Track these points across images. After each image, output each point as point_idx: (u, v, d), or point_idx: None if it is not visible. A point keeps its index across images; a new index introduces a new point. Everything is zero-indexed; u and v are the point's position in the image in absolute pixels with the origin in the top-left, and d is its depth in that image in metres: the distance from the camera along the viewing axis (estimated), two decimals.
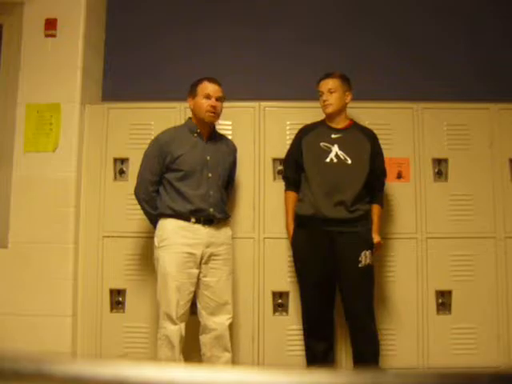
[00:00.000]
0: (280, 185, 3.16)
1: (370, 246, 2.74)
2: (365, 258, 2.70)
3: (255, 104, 3.26)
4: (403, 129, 3.21)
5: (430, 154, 3.21)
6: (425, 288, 3.11)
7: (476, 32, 3.64)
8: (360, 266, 2.68)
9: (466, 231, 3.16)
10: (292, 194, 2.94)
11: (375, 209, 2.84)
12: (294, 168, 2.94)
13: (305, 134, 2.93)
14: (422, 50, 3.64)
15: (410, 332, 3.08)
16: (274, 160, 3.21)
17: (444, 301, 3.11)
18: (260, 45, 3.67)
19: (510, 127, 3.23)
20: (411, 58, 3.62)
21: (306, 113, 3.20)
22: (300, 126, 3.09)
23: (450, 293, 3.11)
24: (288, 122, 3.25)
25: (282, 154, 3.18)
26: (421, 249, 3.14)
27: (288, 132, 3.23)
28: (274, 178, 3.21)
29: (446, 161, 3.21)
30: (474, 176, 3.19)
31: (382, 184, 2.92)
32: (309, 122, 3.03)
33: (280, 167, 3.20)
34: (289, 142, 3.19)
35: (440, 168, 3.21)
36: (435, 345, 3.07)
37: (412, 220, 3.16)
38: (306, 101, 3.22)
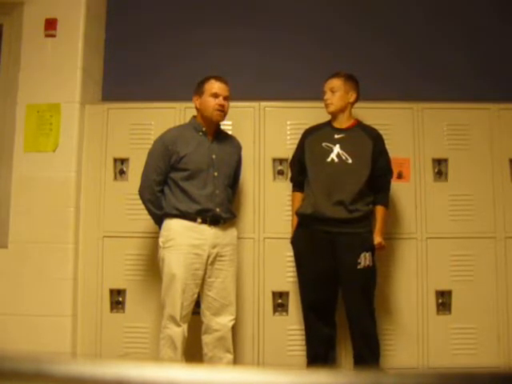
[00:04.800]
0: (280, 185, 3.17)
1: (370, 247, 2.72)
2: (364, 259, 2.67)
3: (255, 104, 3.26)
4: (403, 129, 3.21)
5: (430, 153, 3.21)
6: (425, 288, 3.11)
7: (476, 32, 3.63)
8: (359, 267, 2.67)
9: (466, 231, 3.15)
10: (297, 195, 2.93)
11: (379, 210, 2.80)
12: (298, 169, 2.93)
13: (309, 134, 2.92)
14: (421, 50, 3.63)
15: (409, 332, 3.08)
16: (274, 160, 3.21)
17: (444, 301, 3.11)
18: (260, 45, 3.66)
19: (510, 127, 3.22)
20: (411, 58, 3.62)
21: (306, 113, 3.21)
22: (300, 126, 3.08)
23: (449, 293, 3.11)
24: (288, 122, 3.25)
25: (282, 154, 3.19)
26: (421, 249, 3.14)
27: (288, 132, 3.23)
28: (274, 178, 3.21)
29: (445, 161, 3.21)
30: (474, 176, 3.19)
31: (387, 184, 2.86)
32: (309, 121, 3.03)
33: (280, 167, 3.20)
34: (289, 142, 3.20)
35: (440, 168, 3.21)
36: (435, 345, 3.07)
37: (412, 220, 3.16)
38: (306, 101, 3.22)
